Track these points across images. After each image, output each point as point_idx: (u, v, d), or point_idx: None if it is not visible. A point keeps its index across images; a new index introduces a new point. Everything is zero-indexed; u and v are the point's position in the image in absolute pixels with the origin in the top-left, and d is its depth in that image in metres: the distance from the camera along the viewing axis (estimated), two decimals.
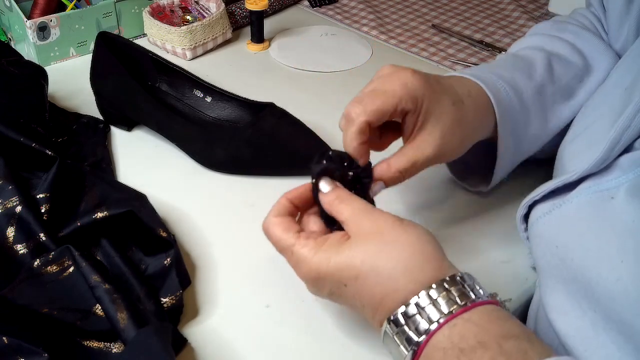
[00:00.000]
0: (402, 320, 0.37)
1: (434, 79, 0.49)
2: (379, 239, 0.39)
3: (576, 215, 0.43)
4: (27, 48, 0.79)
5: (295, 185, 0.62)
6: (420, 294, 0.37)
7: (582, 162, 0.44)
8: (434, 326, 0.35)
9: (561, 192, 0.46)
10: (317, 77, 0.81)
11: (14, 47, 0.77)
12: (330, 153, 0.44)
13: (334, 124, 0.70)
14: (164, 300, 0.47)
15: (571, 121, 0.56)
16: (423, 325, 0.36)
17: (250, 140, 0.61)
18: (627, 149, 0.42)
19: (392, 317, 0.37)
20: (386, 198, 0.59)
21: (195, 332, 0.47)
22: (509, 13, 1.02)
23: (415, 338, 0.36)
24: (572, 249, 0.42)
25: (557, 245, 0.43)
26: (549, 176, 0.52)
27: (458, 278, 0.37)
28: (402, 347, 0.37)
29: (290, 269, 0.52)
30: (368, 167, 0.46)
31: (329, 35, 0.92)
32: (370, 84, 0.48)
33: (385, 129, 0.50)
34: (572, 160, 0.47)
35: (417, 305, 0.36)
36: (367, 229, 0.40)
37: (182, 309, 0.48)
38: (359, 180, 0.45)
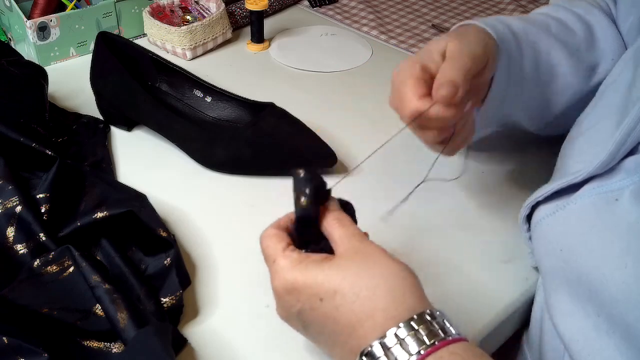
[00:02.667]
0: (378, 352, 0.34)
1: None
2: (364, 260, 0.37)
3: (580, 217, 0.43)
4: (27, 48, 0.79)
5: None
6: (400, 324, 0.34)
7: (585, 162, 0.44)
8: (413, 358, 0.33)
9: (565, 193, 0.46)
10: (317, 77, 0.81)
11: (14, 47, 0.77)
12: (308, 172, 0.41)
13: (334, 124, 0.70)
14: (164, 300, 0.47)
15: (570, 100, 0.56)
16: (402, 357, 0.33)
17: (250, 140, 0.61)
18: (632, 151, 0.42)
19: (368, 349, 0.34)
20: (385, 198, 0.59)
21: (195, 332, 0.47)
22: (509, 13, 1.02)
23: None
24: (576, 250, 0.42)
25: (561, 247, 0.43)
26: (550, 177, 0.52)
27: (438, 313, 0.36)
28: None
29: None
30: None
31: (329, 35, 0.92)
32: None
33: None
34: (574, 159, 0.47)
35: (396, 335, 0.34)
36: (353, 250, 0.38)
37: (182, 309, 0.48)
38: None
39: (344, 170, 0.64)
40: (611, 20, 0.60)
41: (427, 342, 0.33)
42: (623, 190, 0.40)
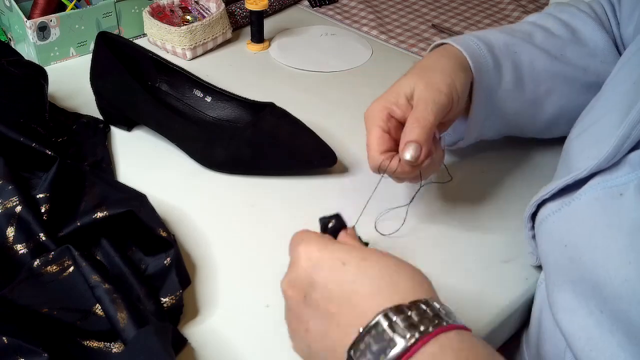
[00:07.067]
0: (384, 324, 0.33)
1: None
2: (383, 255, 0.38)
3: (585, 213, 0.43)
4: (27, 48, 0.79)
5: (295, 185, 0.62)
6: (422, 299, 0.34)
7: (590, 158, 0.44)
8: (417, 336, 0.32)
9: (570, 190, 0.45)
10: (317, 77, 0.81)
11: (14, 47, 0.77)
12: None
13: (334, 124, 0.70)
14: (164, 300, 0.47)
15: (555, 105, 0.59)
16: (410, 331, 0.33)
17: (250, 140, 0.61)
18: (637, 146, 0.42)
19: (391, 307, 0.34)
20: (386, 198, 0.59)
21: (195, 332, 0.47)
22: (509, 13, 1.02)
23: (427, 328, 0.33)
24: (580, 247, 0.41)
25: (566, 244, 0.43)
26: (550, 176, 0.52)
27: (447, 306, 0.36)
28: (407, 332, 0.33)
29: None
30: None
31: (329, 35, 0.92)
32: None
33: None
34: (579, 155, 0.47)
35: (403, 312, 0.33)
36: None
37: (182, 309, 0.48)
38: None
39: (343, 170, 0.64)
40: (600, 25, 0.61)
41: (444, 321, 0.33)
42: (627, 185, 0.40)
